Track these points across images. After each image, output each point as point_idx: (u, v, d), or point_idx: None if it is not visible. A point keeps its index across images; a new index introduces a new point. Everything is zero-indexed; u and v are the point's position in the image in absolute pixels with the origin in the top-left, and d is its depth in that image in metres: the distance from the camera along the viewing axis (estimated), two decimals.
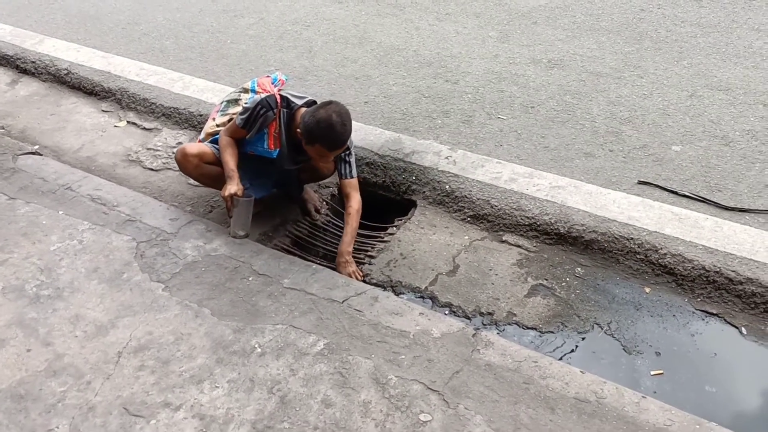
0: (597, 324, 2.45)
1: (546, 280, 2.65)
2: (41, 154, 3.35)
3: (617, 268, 2.67)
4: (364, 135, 3.44)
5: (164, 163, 3.45)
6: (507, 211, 2.92)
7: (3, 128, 3.81)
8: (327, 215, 3.20)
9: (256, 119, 2.59)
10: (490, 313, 2.51)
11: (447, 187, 3.08)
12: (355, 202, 2.76)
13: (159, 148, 3.57)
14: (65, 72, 4.33)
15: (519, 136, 3.43)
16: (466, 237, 2.91)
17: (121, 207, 2.88)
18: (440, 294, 2.61)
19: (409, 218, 3.07)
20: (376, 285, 2.69)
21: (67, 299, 2.34)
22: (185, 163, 2.73)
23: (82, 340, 2.18)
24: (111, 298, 2.36)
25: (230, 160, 2.65)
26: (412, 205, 3.17)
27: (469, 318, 2.51)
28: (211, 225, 2.79)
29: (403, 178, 3.20)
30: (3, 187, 2.99)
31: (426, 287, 2.64)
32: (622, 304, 2.53)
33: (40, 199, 2.91)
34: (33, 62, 4.49)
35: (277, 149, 2.68)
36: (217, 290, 2.41)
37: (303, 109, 2.63)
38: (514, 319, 2.49)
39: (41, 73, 4.42)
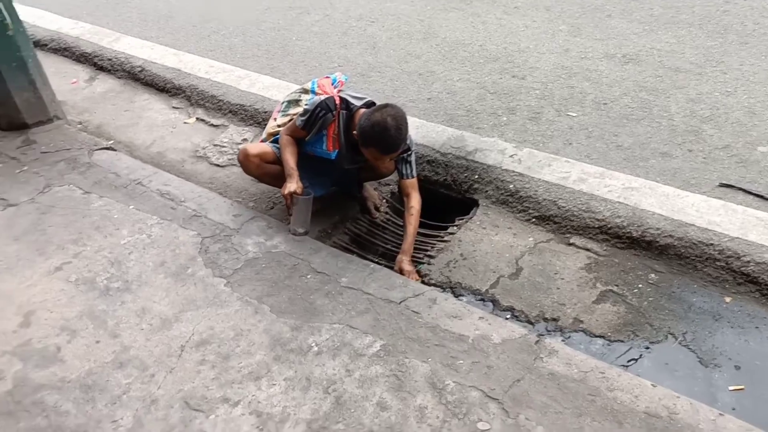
0: (671, 334, 2.31)
1: (616, 286, 2.52)
2: (115, 150, 3.47)
3: (695, 276, 2.51)
4: (425, 132, 3.38)
5: (229, 160, 3.51)
6: (575, 213, 2.79)
7: (81, 123, 3.98)
8: (386, 213, 3.17)
9: (316, 121, 2.59)
10: (554, 319, 2.41)
11: (511, 186, 2.99)
12: (416, 202, 2.72)
13: (225, 145, 3.63)
14: (139, 69, 4.48)
15: (590, 134, 3.29)
16: (531, 238, 2.81)
17: (187, 202, 2.94)
18: (502, 297, 2.53)
19: (471, 218, 3.00)
20: (434, 286, 2.64)
21: (135, 292, 2.41)
22: (247, 164, 2.77)
23: (147, 332, 2.23)
24: (176, 292, 2.41)
25: (290, 159, 2.66)
26: (474, 204, 3.10)
27: (532, 323, 2.42)
28: (272, 222, 2.81)
29: (465, 176, 3.13)
30: (79, 182, 3.11)
31: (487, 290, 2.57)
32: (699, 313, 2.37)
33: (113, 193, 3.02)
34: (109, 60, 4.67)
35: (336, 150, 2.67)
36: (277, 287, 2.42)
37: (362, 110, 2.60)
38: (581, 326, 2.38)
39: (117, 70, 4.59)
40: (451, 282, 2.63)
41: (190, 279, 2.47)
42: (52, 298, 2.38)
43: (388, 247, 2.98)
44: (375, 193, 3.15)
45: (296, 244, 2.66)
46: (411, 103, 3.66)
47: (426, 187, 3.18)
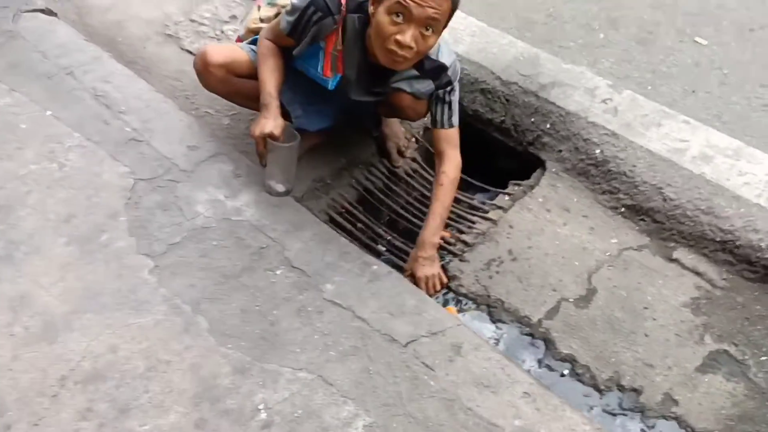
0: None
1: (734, 345, 1.68)
2: (54, 14, 2.51)
3: None
4: (485, 44, 2.35)
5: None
6: (688, 211, 1.87)
7: None
8: (414, 160, 2.25)
9: (307, 26, 1.64)
10: (635, 390, 1.60)
11: (597, 150, 2.03)
12: (452, 166, 1.81)
13: (205, 22, 2.64)
14: None
15: (725, 78, 2.24)
16: (615, 240, 1.91)
17: (128, 115, 2.05)
18: (560, 337, 1.70)
19: (532, 187, 2.09)
20: (465, 296, 1.81)
21: (20, 265, 1.61)
22: (207, 76, 1.83)
23: (19, 343, 1.46)
24: (77, 273, 1.61)
25: (269, 79, 1.72)
26: (539, 165, 2.17)
27: (599, 390, 1.61)
28: (243, 163, 1.93)
29: (533, 122, 2.17)
30: None
31: (540, 320, 1.73)
32: None
33: (30, 86, 2.12)
34: None
35: (337, 76, 1.72)
36: (227, 286, 1.61)
37: None
38: (673, 410, 1.57)
39: None
40: (489, 297, 1.79)
41: (101, 252, 1.66)
42: None
43: (410, 215, 2.10)
44: (400, 129, 2.21)
45: (271, 209, 1.81)
46: None
47: (473, 126, 2.26)
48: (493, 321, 1.75)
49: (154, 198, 1.81)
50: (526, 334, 1.72)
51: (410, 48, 1.54)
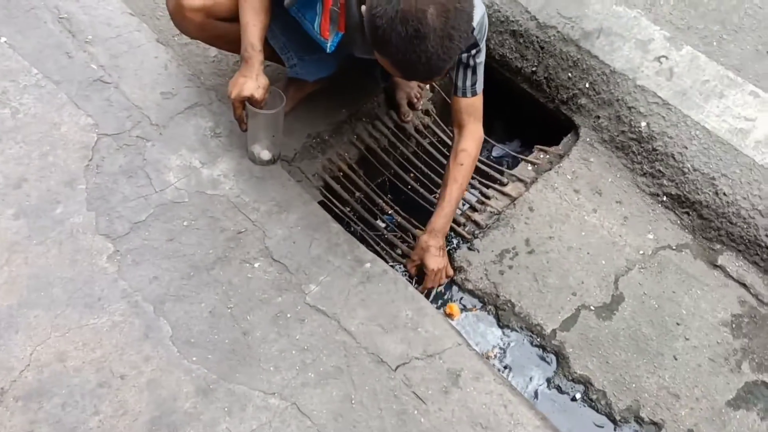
0: None
1: None
2: None
3: None
4: None
5: None
6: (743, 210, 1.59)
7: None
8: (427, 113, 1.94)
9: None
10: (655, 424, 1.41)
11: (643, 123, 1.71)
12: (473, 143, 1.51)
13: None
14: None
15: None
16: (651, 236, 1.65)
17: (95, 47, 1.76)
18: (575, 353, 1.49)
19: (561, 157, 1.80)
20: (471, 294, 1.59)
21: None
22: (182, 22, 1.49)
23: None
24: (25, 255, 1.40)
25: (251, 24, 1.40)
26: (571, 128, 1.86)
27: (614, 421, 1.43)
28: (225, 118, 1.66)
29: (570, 77, 1.83)
30: None
31: (554, 330, 1.52)
32: None
33: None
34: None
35: (338, 35, 1.38)
36: (196, 280, 1.40)
37: None
38: None
39: None
40: (498, 296, 1.57)
41: (55, 230, 1.44)
42: None
43: (414, 180, 1.83)
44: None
45: (253, 182, 1.56)
46: None
47: (499, 74, 1.93)
48: (501, 326, 1.54)
49: (119, 161, 1.55)
50: (537, 346, 1.51)
51: None
